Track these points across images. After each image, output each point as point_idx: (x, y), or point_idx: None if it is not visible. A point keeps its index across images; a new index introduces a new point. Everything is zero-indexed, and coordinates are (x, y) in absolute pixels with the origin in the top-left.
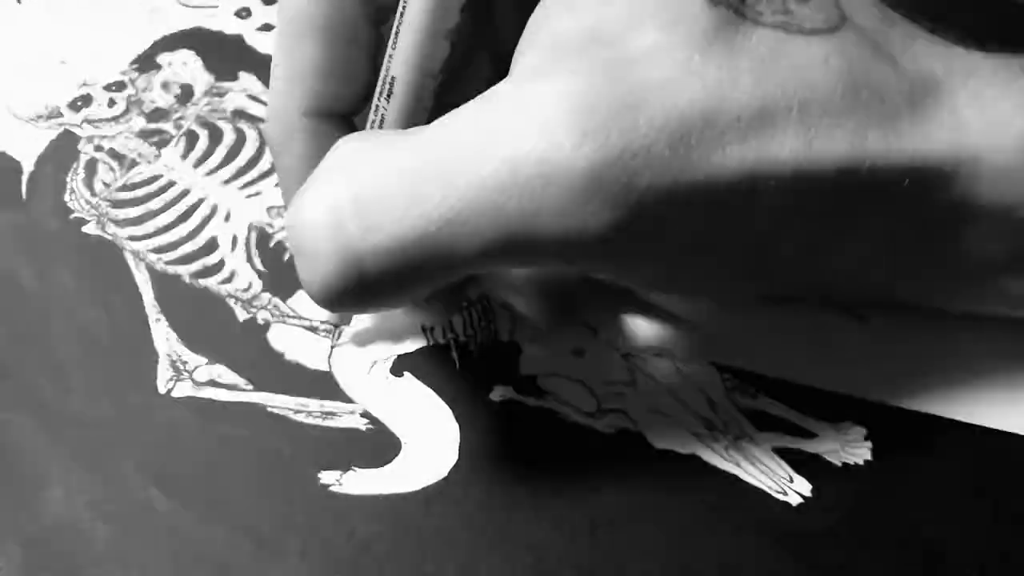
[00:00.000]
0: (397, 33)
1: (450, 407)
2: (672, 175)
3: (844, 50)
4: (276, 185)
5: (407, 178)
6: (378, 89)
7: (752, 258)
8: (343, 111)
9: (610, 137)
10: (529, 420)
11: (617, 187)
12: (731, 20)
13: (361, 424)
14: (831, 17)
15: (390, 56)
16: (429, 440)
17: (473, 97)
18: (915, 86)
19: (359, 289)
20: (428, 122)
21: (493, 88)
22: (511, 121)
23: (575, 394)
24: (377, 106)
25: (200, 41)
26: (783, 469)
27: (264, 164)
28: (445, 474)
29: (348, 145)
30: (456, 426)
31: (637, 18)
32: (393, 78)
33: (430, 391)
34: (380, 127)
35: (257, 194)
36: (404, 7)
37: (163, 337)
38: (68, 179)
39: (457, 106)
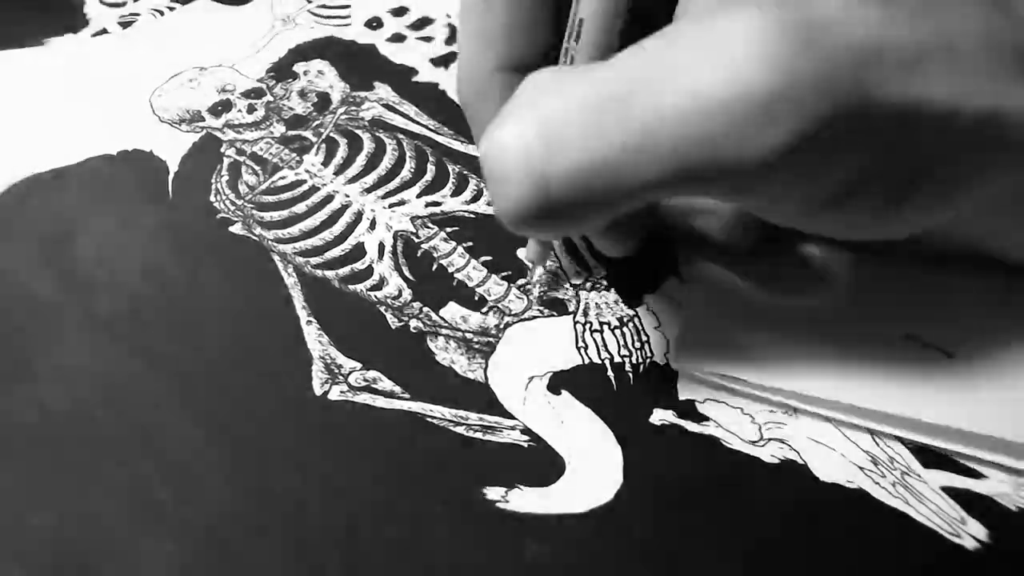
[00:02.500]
0: None
1: (610, 428)
2: (847, 102)
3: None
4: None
5: (589, 108)
6: (568, 31)
7: (894, 196)
8: (531, 65)
9: (795, 64)
10: (691, 446)
11: (798, 110)
12: None
13: (522, 440)
14: None
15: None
16: (594, 461)
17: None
18: None
19: (547, 210)
20: None
21: (673, 25)
22: (696, 54)
23: (736, 422)
24: (567, 48)
25: (333, 51)
26: (955, 510)
27: (405, 174)
28: (611, 497)
29: (534, 80)
30: (619, 448)
31: None
32: (581, 20)
33: (589, 411)
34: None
35: (400, 203)
36: None
37: (315, 339)
38: (212, 181)
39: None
